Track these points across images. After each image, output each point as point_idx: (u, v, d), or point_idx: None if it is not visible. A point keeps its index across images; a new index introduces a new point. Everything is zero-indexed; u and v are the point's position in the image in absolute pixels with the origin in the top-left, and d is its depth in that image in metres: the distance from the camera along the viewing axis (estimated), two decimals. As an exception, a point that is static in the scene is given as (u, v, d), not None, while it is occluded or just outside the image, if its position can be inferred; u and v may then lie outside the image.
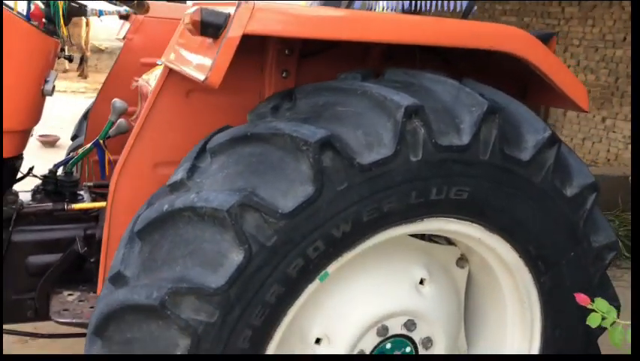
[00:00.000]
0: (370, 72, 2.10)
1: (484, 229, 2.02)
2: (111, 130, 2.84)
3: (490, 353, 2.38)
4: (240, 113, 2.09)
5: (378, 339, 2.08)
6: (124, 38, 3.42)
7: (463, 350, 2.40)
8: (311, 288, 1.83)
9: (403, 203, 1.83)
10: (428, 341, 2.16)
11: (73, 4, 2.70)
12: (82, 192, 2.85)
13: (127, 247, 1.84)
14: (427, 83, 1.97)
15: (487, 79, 2.14)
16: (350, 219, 1.77)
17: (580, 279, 2.15)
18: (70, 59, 3.06)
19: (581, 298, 1.47)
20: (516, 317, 2.26)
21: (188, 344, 1.66)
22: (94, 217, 2.70)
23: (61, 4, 2.61)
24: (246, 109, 2.07)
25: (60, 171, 2.86)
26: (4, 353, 2.94)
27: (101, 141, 2.86)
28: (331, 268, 1.85)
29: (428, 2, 6.83)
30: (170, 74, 2.19)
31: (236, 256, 1.66)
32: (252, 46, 1.97)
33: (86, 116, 3.60)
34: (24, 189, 2.77)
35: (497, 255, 2.12)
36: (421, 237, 2.29)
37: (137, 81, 2.96)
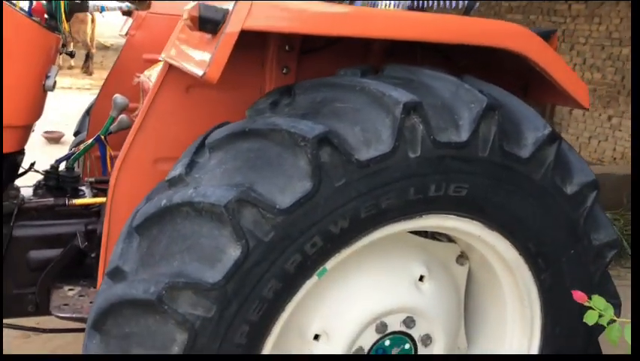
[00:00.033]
0: (370, 68, 2.09)
1: (484, 226, 2.01)
2: (112, 126, 2.85)
3: (490, 350, 2.38)
4: (240, 109, 2.09)
5: (377, 336, 2.08)
6: (126, 34, 3.42)
7: (463, 347, 2.40)
8: (309, 284, 1.84)
9: (402, 199, 1.83)
10: (427, 339, 2.16)
11: (75, 0, 2.71)
12: (83, 188, 2.86)
13: (125, 242, 1.84)
14: (426, 80, 1.97)
15: (489, 76, 2.13)
16: (348, 216, 1.77)
17: (580, 277, 2.14)
18: (71, 55, 3.07)
19: (578, 296, 1.47)
20: (516, 314, 2.26)
21: (185, 339, 1.66)
22: (95, 213, 2.71)
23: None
24: (246, 105, 2.07)
25: (62, 167, 2.87)
26: (6, 347, 2.96)
27: (102, 137, 2.87)
28: (329, 265, 1.85)
29: (430, 1, 6.81)
30: (171, 69, 2.20)
31: (234, 252, 1.66)
32: (253, 42, 1.97)
33: (88, 112, 3.61)
34: (26, 184, 2.78)
35: (497, 252, 2.12)
36: (423, 234, 2.29)
37: (138, 77, 2.96)
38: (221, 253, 1.67)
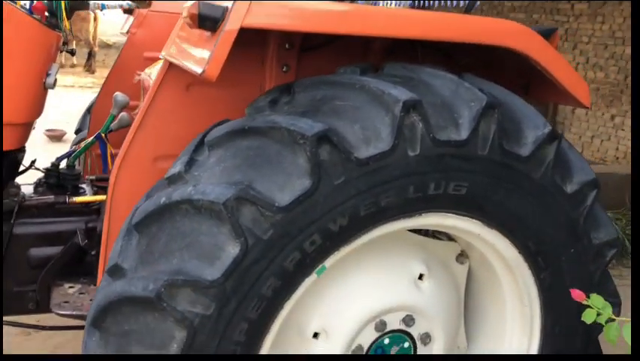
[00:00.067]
0: (369, 66, 2.09)
1: (483, 224, 2.01)
2: (113, 124, 2.85)
3: (489, 349, 2.37)
4: (240, 107, 2.09)
5: (376, 334, 2.08)
6: (127, 32, 3.42)
7: (462, 346, 2.39)
8: (308, 282, 1.83)
9: (401, 198, 1.82)
10: (427, 337, 2.16)
11: (75, -2, 2.71)
12: (84, 186, 2.87)
13: (125, 240, 1.84)
14: (425, 78, 1.96)
15: (490, 75, 2.12)
16: (347, 214, 1.76)
17: (580, 275, 2.13)
18: (72, 53, 3.07)
19: (577, 294, 1.46)
20: (516, 313, 2.25)
21: (184, 336, 1.66)
22: (95, 210, 2.71)
23: (63, -2, 2.63)
24: (246, 103, 2.07)
25: (63, 165, 2.88)
26: (6, 345, 2.96)
27: (103, 135, 2.87)
28: (328, 262, 1.85)
29: (431, 0, 6.80)
30: (171, 67, 2.20)
31: (233, 249, 1.66)
32: (253, 39, 1.97)
33: (89, 110, 3.61)
34: (27, 182, 2.78)
35: (497, 251, 2.11)
36: (423, 232, 2.29)
37: (139, 75, 2.96)
38: (220, 251, 1.66)
